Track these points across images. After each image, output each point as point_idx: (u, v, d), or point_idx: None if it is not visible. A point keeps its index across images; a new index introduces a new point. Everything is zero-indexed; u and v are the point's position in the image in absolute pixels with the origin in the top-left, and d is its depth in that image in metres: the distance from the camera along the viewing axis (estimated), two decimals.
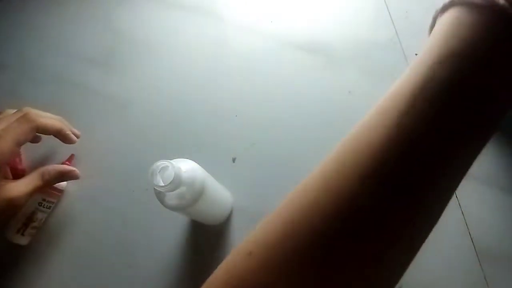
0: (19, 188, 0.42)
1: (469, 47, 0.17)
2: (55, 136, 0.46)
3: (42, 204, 0.47)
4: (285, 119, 0.49)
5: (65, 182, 0.49)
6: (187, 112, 0.52)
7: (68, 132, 0.47)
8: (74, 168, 0.48)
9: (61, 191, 0.49)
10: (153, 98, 0.53)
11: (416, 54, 0.50)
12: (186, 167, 0.34)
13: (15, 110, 0.44)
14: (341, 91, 0.49)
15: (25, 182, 0.43)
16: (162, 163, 0.32)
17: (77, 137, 0.49)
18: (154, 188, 0.32)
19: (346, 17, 0.54)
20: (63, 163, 0.49)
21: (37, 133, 0.44)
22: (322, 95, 0.50)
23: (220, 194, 0.42)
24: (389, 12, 0.53)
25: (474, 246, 0.40)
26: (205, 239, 0.45)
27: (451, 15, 0.18)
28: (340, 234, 0.17)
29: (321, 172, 0.20)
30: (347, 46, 0.52)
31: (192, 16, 0.58)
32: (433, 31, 0.19)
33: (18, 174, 0.45)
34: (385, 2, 0.54)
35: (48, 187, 0.47)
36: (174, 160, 0.34)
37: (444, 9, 0.19)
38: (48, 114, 0.46)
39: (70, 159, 0.50)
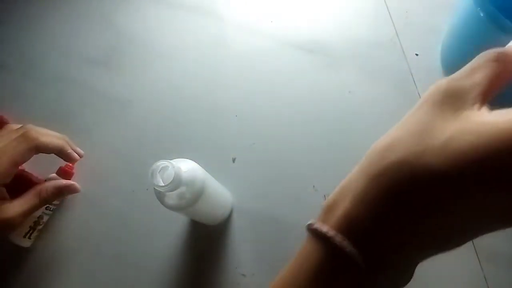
0: (15, 208, 0.41)
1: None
2: (56, 155, 0.45)
3: (48, 207, 0.47)
4: (285, 119, 0.49)
5: (79, 186, 0.49)
6: (187, 112, 0.52)
7: (70, 151, 0.46)
8: (73, 182, 0.47)
9: None
10: (153, 98, 0.53)
11: (416, 54, 0.50)
12: (186, 167, 0.34)
13: (19, 126, 0.43)
14: (341, 91, 0.49)
15: (21, 202, 0.42)
16: (162, 163, 0.32)
17: (80, 156, 0.49)
18: (154, 188, 0.32)
19: (346, 17, 0.54)
20: (66, 165, 0.48)
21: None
22: (322, 95, 0.50)
23: (220, 194, 0.42)
24: (389, 12, 0.53)
25: (474, 246, 0.40)
26: (205, 239, 0.45)
27: (322, 250, 0.20)
28: None
29: None
30: (347, 46, 0.52)
31: (192, 16, 0.58)
32: (306, 252, 0.21)
33: (17, 175, 0.45)
34: (385, 2, 0.54)
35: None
36: (174, 160, 0.34)
37: (318, 234, 0.20)
38: (51, 132, 0.45)
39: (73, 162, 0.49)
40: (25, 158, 0.42)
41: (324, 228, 0.19)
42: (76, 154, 0.47)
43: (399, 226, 0.18)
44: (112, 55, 0.57)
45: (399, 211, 0.18)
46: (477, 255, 0.40)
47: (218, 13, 0.57)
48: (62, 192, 0.46)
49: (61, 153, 0.45)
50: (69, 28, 0.60)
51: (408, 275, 0.20)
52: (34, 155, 0.48)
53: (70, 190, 0.47)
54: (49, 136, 0.44)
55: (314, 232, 0.20)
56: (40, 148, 0.43)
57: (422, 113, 0.19)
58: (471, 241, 0.40)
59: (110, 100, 0.54)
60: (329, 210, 0.21)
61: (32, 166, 0.49)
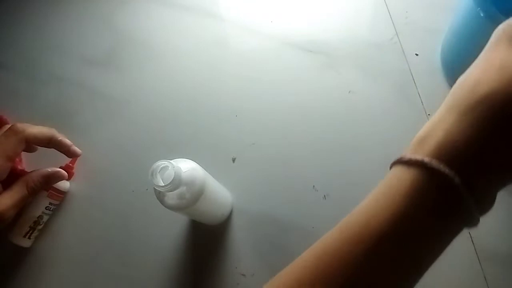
0: (3, 201, 0.40)
1: (429, 210, 0.20)
2: (48, 145, 0.45)
3: (48, 208, 0.47)
4: (285, 118, 0.49)
5: (68, 184, 0.49)
6: (187, 112, 0.52)
7: (61, 138, 0.46)
8: (58, 169, 0.46)
9: (64, 193, 0.49)
10: (153, 98, 0.53)
11: (416, 54, 0.50)
12: (186, 167, 0.34)
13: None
14: (341, 91, 0.49)
15: (10, 194, 0.41)
16: (162, 163, 0.32)
17: (78, 155, 0.48)
18: (154, 188, 0.32)
19: (346, 17, 0.54)
20: (66, 165, 0.48)
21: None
22: (322, 94, 0.50)
23: (220, 194, 0.42)
24: (389, 12, 0.53)
25: (474, 246, 0.40)
26: (205, 239, 0.45)
27: (415, 177, 0.21)
28: None
29: (296, 280, 0.22)
30: (347, 46, 0.52)
31: (193, 16, 0.58)
32: (394, 184, 0.22)
33: (17, 175, 0.45)
34: (385, 2, 0.54)
35: (49, 190, 0.46)
36: (174, 160, 0.34)
37: (410, 164, 0.21)
38: (38, 126, 0.45)
39: (73, 161, 0.49)
40: (16, 151, 0.42)
41: (419, 157, 0.20)
42: (68, 140, 0.47)
43: (494, 151, 0.19)
44: (112, 55, 0.57)
45: (494, 137, 0.19)
46: (477, 255, 0.40)
47: (218, 13, 0.57)
48: (49, 180, 0.45)
49: (52, 142, 0.45)
50: (69, 28, 0.60)
51: (492, 201, 0.21)
52: (34, 155, 0.49)
53: (56, 177, 0.46)
54: (36, 127, 0.44)
55: (408, 162, 0.21)
56: (30, 139, 0.42)
57: (502, 50, 0.21)
58: (471, 241, 0.40)
59: (109, 100, 0.54)
60: (419, 144, 0.21)
61: (32, 166, 0.49)
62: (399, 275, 0.20)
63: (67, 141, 0.47)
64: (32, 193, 0.43)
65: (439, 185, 0.20)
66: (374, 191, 0.22)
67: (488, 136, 0.19)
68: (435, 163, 0.19)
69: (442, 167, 0.19)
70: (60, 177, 0.46)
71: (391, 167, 0.23)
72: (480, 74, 0.21)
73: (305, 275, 0.22)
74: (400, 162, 0.22)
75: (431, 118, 0.22)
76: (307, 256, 0.23)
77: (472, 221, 0.20)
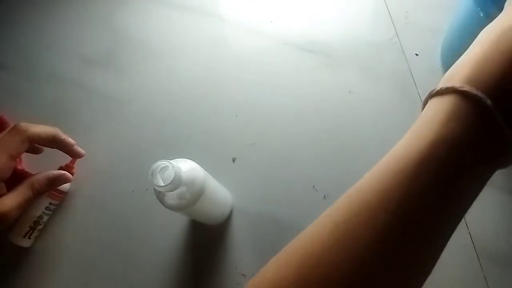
0: (8, 202, 0.41)
1: (464, 133, 0.20)
2: (51, 145, 0.45)
3: (48, 208, 0.47)
4: (285, 118, 0.49)
5: (68, 184, 0.49)
6: (187, 112, 0.52)
7: (64, 136, 0.46)
8: (64, 172, 0.47)
9: (64, 193, 0.49)
10: (153, 98, 0.53)
11: (416, 54, 0.50)
12: (186, 167, 0.34)
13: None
14: (341, 91, 0.49)
15: (15, 195, 0.42)
16: (162, 163, 0.32)
17: (81, 155, 0.48)
18: (154, 188, 0.32)
19: (346, 17, 0.54)
20: (66, 165, 0.49)
21: (34, 144, 0.43)
22: (322, 95, 0.50)
23: (220, 194, 0.42)
24: (389, 12, 0.53)
25: (474, 246, 0.40)
26: (205, 239, 0.45)
27: (449, 102, 0.20)
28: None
29: (331, 221, 0.22)
30: (347, 46, 0.52)
31: (192, 16, 0.58)
32: (428, 113, 0.22)
33: (17, 174, 0.45)
34: (385, 2, 0.54)
35: (49, 192, 0.46)
36: (174, 160, 0.34)
37: (441, 93, 0.21)
38: (42, 126, 0.45)
39: (73, 161, 0.49)
40: (19, 150, 0.42)
41: (450, 84, 0.20)
42: (71, 139, 0.47)
43: None
44: (112, 55, 0.57)
45: None
46: (477, 255, 0.40)
47: (218, 13, 0.57)
48: (54, 182, 0.45)
49: (55, 141, 0.45)
50: (69, 28, 0.60)
51: None
52: (35, 156, 0.49)
53: (62, 179, 0.46)
54: (39, 126, 0.44)
55: (439, 92, 0.21)
56: (33, 138, 0.43)
57: None
58: (471, 241, 0.40)
59: (109, 100, 0.54)
60: (447, 80, 0.21)
61: (32, 166, 0.49)
62: (441, 206, 0.20)
63: (70, 140, 0.47)
64: (37, 195, 0.44)
65: (474, 108, 0.20)
66: (409, 128, 0.22)
67: None
68: (467, 87, 0.20)
69: (474, 90, 0.19)
70: (65, 180, 0.47)
71: (422, 108, 0.23)
72: (506, 13, 0.22)
73: (340, 217, 0.21)
74: (431, 95, 0.22)
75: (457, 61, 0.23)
76: (340, 199, 0.23)
77: (507, 153, 0.20)
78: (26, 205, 0.43)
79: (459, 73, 0.21)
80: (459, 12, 0.42)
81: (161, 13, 0.59)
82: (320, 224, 0.23)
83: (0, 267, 0.47)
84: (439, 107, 0.21)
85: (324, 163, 0.46)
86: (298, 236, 0.23)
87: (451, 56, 0.47)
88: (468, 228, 0.40)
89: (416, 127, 0.22)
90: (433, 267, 0.21)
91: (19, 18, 0.62)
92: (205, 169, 0.37)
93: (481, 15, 0.36)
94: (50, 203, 0.47)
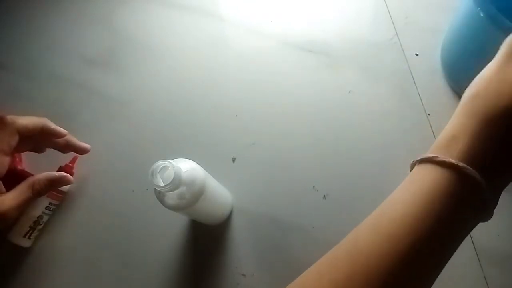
0: (7, 202, 0.40)
1: (454, 207, 0.22)
2: (41, 135, 0.44)
3: (48, 207, 0.47)
4: (285, 119, 0.49)
5: (72, 178, 0.49)
6: (187, 112, 0.52)
7: (54, 126, 0.45)
8: (65, 174, 0.46)
9: (64, 193, 0.49)
10: (153, 98, 0.53)
11: (416, 54, 0.50)
12: (186, 167, 0.34)
13: None
14: (341, 91, 0.49)
15: (14, 194, 0.41)
16: (162, 163, 0.32)
17: (87, 150, 0.48)
18: (154, 188, 0.32)
19: (346, 17, 0.54)
20: (66, 165, 0.48)
21: (22, 136, 0.42)
22: (322, 94, 0.50)
23: (220, 194, 0.42)
24: (389, 12, 0.53)
25: (474, 246, 0.40)
26: (205, 239, 0.45)
27: (449, 178, 0.23)
28: None
29: (330, 280, 0.23)
30: (347, 46, 0.52)
31: (192, 16, 0.58)
32: (425, 178, 0.24)
33: (17, 174, 0.45)
34: (385, 2, 0.54)
35: (49, 192, 0.46)
36: (174, 160, 0.34)
37: (440, 164, 0.23)
38: (29, 117, 0.44)
39: (73, 161, 0.49)
40: (10, 144, 0.41)
41: (452, 160, 0.23)
42: (62, 129, 0.46)
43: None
44: (112, 55, 0.57)
45: None
46: (477, 255, 0.40)
47: (218, 13, 0.57)
48: (54, 184, 0.45)
49: (44, 131, 0.44)
50: (69, 28, 0.60)
51: (498, 200, 0.24)
52: (35, 155, 0.49)
53: (62, 181, 0.46)
54: (27, 118, 0.43)
55: (441, 163, 0.23)
56: (21, 130, 0.42)
57: None
58: (471, 241, 0.40)
59: (109, 100, 0.54)
60: (446, 147, 0.24)
61: (33, 166, 0.49)
62: (436, 267, 0.23)
63: (61, 130, 0.45)
64: (37, 196, 0.43)
65: (469, 187, 0.22)
66: (405, 185, 0.25)
67: (508, 150, 0.22)
68: (468, 169, 0.22)
69: (473, 172, 0.22)
70: (66, 182, 0.46)
71: (419, 163, 0.25)
72: (500, 83, 0.23)
73: (340, 275, 0.23)
74: (432, 161, 0.24)
75: (450, 120, 0.25)
76: (340, 256, 0.24)
77: (488, 216, 0.24)
78: (26, 206, 0.42)
79: (456, 147, 0.23)
80: (459, 12, 0.42)
81: (161, 13, 0.59)
82: (317, 281, 0.24)
83: (0, 267, 0.47)
84: (442, 178, 0.23)
85: (324, 163, 0.46)
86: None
87: (451, 55, 0.47)
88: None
89: (417, 191, 0.23)
90: None
91: (19, 18, 0.62)
92: (205, 169, 0.37)
93: (481, 15, 0.36)
94: (50, 203, 0.47)
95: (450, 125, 0.25)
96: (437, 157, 0.23)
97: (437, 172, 0.23)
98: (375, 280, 0.21)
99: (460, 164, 0.22)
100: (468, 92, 0.25)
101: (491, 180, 0.22)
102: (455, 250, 0.23)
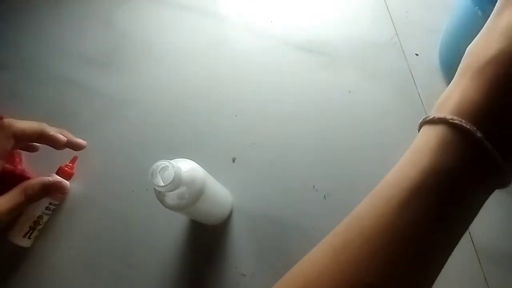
0: None
1: (453, 163, 0.21)
2: (39, 140, 0.43)
3: (48, 207, 0.47)
4: (285, 118, 0.49)
5: (68, 184, 0.49)
6: (187, 112, 0.52)
7: (52, 132, 0.44)
8: (60, 180, 0.46)
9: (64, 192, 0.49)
10: (153, 98, 0.53)
11: (416, 54, 0.50)
12: (186, 167, 0.34)
13: None
14: (341, 91, 0.49)
15: (6, 198, 0.41)
16: (162, 163, 0.32)
17: (83, 146, 0.48)
18: (154, 188, 0.32)
19: (346, 17, 0.54)
20: (65, 166, 0.48)
21: (22, 141, 0.42)
22: (322, 94, 0.50)
23: (220, 194, 0.42)
24: (389, 12, 0.53)
25: (474, 246, 0.40)
26: (205, 239, 0.45)
27: (440, 132, 0.22)
28: None
29: (329, 245, 0.23)
30: (347, 46, 0.52)
31: (192, 16, 0.58)
32: (421, 141, 0.23)
33: (17, 174, 0.45)
34: (385, 2, 0.54)
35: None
36: (174, 160, 0.34)
37: (433, 122, 0.23)
38: (27, 121, 0.43)
39: (73, 161, 0.49)
40: (5, 147, 0.40)
41: (441, 115, 0.22)
42: (61, 135, 0.45)
43: (506, 108, 0.21)
44: (112, 55, 0.57)
45: (505, 95, 0.21)
46: (477, 255, 0.40)
47: (218, 13, 0.57)
48: (48, 190, 0.44)
49: (42, 137, 0.43)
50: (69, 28, 0.60)
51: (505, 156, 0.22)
52: (35, 156, 0.49)
53: (57, 188, 0.45)
54: (24, 122, 0.42)
55: (431, 121, 0.23)
56: (18, 134, 0.41)
57: (506, 14, 0.23)
58: (470, 241, 0.40)
59: (109, 100, 0.54)
60: (440, 106, 0.23)
61: (33, 167, 0.49)
62: (432, 231, 0.21)
63: (60, 137, 0.44)
64: (30, 201, 0.43)
65: (463, 139, 0.21)
66: (404, 153, 0.24)
67: (499, 95, 0.21)
68: (457, 120, 0.21)
69: (463, 123, 0.21)
70: (60, 189, 0.46)
71: (419, 130, 0.24)
72: (487, 39, 0.23)
73: (338, 240, 0.22)
74: (425, 121, 0.23)
75: (447, 88, 0.25)
76: (340, 226, 0.23)
77: (500, 175, 0.21)
78: (18, 210, 0.42)
79: (449, 103, 0.23)
80: (457, 11, 0.42)
81: (161, 13, 0.59)
82: (319, 250, 0.23)
83: (0, 267, 0.47)
84: (430, 137, 0.22)
85: (324, 163, 0.46)
86: (298, 263, 0.24)
87: (449, 55, 0.47)
88: (468, 228, 0.40)
89: (409, 155, 0.23)
90: (432, 285, 0.22)
91: (19, 18, 0.62)
92: (205, 169, 0.37)
93: (479, 14, 0.36)
94: (50, 203, 0.47)
95: (446, 89, 0.25)
96: (428, 116, 0.23)
97: (430, 130, 0.23)
98: (372, 241, 0.21)
99: (449, 116, 0.22)
100: (464, 54, 0.25)
101: (488, 128, 0.21)
102: (462, 223, 0.22)
